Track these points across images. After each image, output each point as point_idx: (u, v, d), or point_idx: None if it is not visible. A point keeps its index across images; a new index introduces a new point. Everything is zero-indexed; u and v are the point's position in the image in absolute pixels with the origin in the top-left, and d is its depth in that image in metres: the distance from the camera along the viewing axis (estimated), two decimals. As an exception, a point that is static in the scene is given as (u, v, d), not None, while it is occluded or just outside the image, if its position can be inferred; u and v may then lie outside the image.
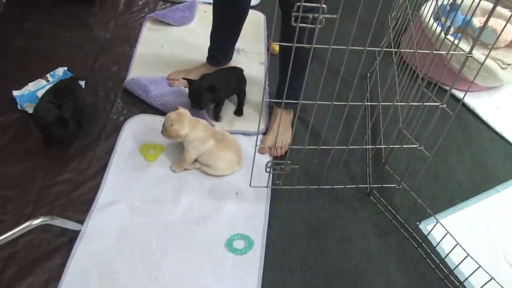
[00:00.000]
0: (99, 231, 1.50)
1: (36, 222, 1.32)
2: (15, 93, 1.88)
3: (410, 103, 1.43)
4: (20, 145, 1.72)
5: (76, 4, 2.43)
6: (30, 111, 1.82)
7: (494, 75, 2.16)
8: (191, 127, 1.65)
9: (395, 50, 1.56)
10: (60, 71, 2.02)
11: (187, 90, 1.99)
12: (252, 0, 2.62)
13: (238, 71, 1.93)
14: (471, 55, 1.21)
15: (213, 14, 1.92)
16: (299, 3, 1.08)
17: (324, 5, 1.09)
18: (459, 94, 2.20)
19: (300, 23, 1.13)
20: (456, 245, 1.48)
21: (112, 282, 1.39)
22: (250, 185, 1.65)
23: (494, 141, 2.09)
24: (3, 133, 1.75)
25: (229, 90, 1.90)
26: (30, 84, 1.93)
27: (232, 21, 1.93)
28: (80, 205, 1.57)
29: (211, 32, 1.99)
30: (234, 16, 1.91)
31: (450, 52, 1.26)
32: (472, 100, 2.25)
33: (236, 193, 1.67)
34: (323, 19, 1.12)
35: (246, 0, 1.88)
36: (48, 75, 1.99)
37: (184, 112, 1.68)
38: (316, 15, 1.11)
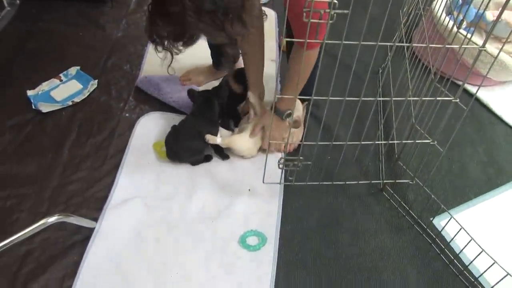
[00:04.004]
0: (113, 228, 1.52)
1: (52, 220, 1.34)
2: (29, 93, 1.90)
3: (423, 98, 1.42)
4: (35, 144, 1.75)
5: (88, 4, 2.45)
6: (44, 110, 1.84)
7: (508, 69, 2.14)
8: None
9: (407, 45, 1.55)
10: (73, 71, 2.04)
11: (199, 88, 2.00)
12: (262, -2, 2.64)
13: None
14: (484, 48, 1.20)
15: None
16: (310, -1, 1.08)
17: (335, 1, 1.09)
18: (472, 89, 2.18)
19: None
20: (470, 240, 1.47)
21: (126, 278, 1.40)
22: (263, 182, 1.66)
23: (508, 135, 2.06)
24: (18, 132, 1.78)
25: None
26: (43, 83, 1.96)
27: None
28: (94, 203, 1.59)
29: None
30: None
31: (463, 46, 1.25)
32: (486, 95, 2.22)
33: (249, 190, 1.67)
34: (334, 14, 1.12)
35: None
36: (61, 75, 2.02)
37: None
38: (327, 10, 1.11)
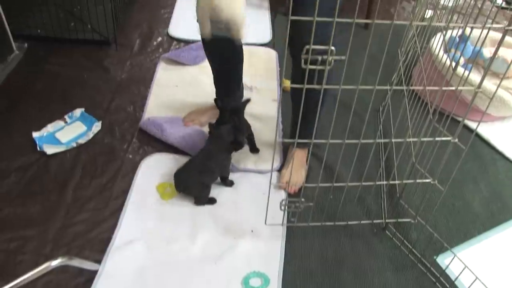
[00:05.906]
0: (116, 270, 1.51)
1: (55, 263, 1.34)
2: (35, 134, 1.93)
3: (422, 139, 1.44)
4: (39, 186, 1.76)
5: (94, 46, 2.51)
6: (49, 152, 1.87)
7: (507, 104, 2.16)
8: None
9: (405, 88, 1.57)
10: (78, 112, 2.07)
11: (202, 129, 2.02)
12: (264, 37, 2.70)
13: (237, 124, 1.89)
14: (480, 90, 1.22)
15: (210, 64, 1.89)
16: (308, 46, 1.11)
17: (332, 47, 1.12)
18: (472, 125, 2.20)
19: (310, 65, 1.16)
20: (475, 279, 1.46)
21: (129, 322, 1.39)
22: (265, 223, 1.66)
23: (510, 171, 2.07)
24: (22, 174, 1.79)
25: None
26: (49, 125, 1.99)
27: (228, 70, 1.90)
28: (98, 244, 1.59)
29: (213, 80, 1.96)
30: (229, 67, 1.88)
31: (459, 88, 1.27)
32: (486, 130, 2.24)
33: (252, 231, 1.67)
34: (332, 60, 1.15)
35: (236, 51, 1.83)
36: (66, 116, 2.05)
37: None
38: (325, 57, 1.13)
